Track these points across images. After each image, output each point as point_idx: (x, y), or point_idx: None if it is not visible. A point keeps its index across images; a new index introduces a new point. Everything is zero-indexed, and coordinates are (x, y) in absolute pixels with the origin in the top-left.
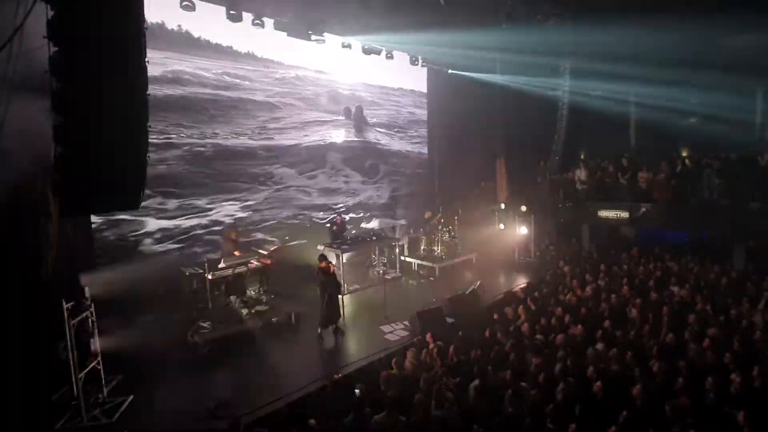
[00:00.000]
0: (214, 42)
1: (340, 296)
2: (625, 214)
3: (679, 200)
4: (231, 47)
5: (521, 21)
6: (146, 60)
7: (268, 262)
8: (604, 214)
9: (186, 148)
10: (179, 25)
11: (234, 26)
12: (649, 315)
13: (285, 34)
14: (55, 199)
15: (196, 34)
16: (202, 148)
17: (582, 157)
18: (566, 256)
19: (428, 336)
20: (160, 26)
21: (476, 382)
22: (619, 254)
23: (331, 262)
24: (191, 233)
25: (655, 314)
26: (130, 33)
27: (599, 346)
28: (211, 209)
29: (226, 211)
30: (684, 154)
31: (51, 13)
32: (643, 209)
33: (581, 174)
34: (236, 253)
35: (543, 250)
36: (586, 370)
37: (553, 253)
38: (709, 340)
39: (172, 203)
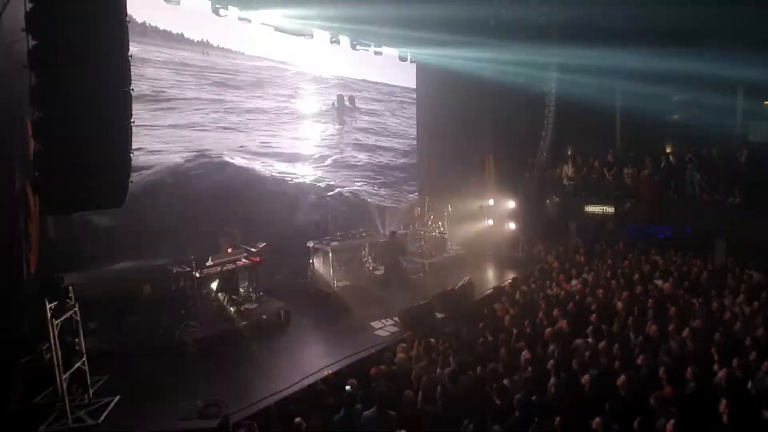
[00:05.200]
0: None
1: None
2: (610, 210)
3: (662, 196)
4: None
5: (509, 18)
6: (129, 54)
7: (257, 259)
8: (590, 209)
9: None
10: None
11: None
12: (635, 308)
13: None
14: (35, 198)
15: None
16: None
17: (569, 153)
18: (553, 251)
19: (407, 335)
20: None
21: (462, 375)
22: (606, 249)
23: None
24: None
25: (641, 307)
26: (112, 26)
27: (587, 339)
28: None
29: None
30: (668, 150)
31: (29, 6)
32: (628, 205)
33: (568, 170)
34: (229, 250)
35: (531, 245)
36: (574, 363)
37: (541, 248)
38: (690, 332)
39: None
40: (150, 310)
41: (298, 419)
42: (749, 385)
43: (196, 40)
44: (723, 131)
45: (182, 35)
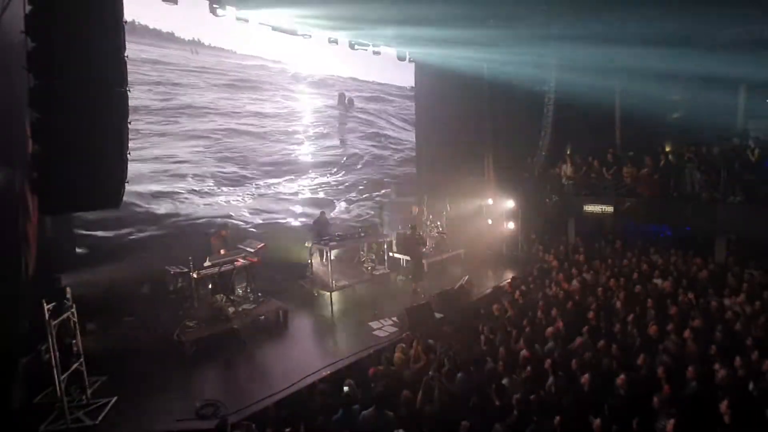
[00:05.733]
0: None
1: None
2: (609, 209)
3: (662, 194)
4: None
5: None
6: (125, 55)
7: (255, 259)
8: (589, 208)
9: None
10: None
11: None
12: (635, 308)
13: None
14: (33, 198)
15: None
16: None
17: (568, 152)
18: (552, 250)
19: (405, 335)
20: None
21: (460, 374)
22: (605, 248)
23: (418, 233)
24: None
25: (640, 307)
26: (109, 27)
27: (586, 339)
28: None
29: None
30: (667, 149)
31: (29, 8)
32: (628, 204)
33: (567, 169)
34: (222, 251)
35: (530, 244)
36: (573, 363)
37: (540, 247)
38: (690, 331)
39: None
40: (148, 310)
41: (288, 429)
42: (750, 385)
43: (187, 39)
44: (723, 129)
45: (173, 34)
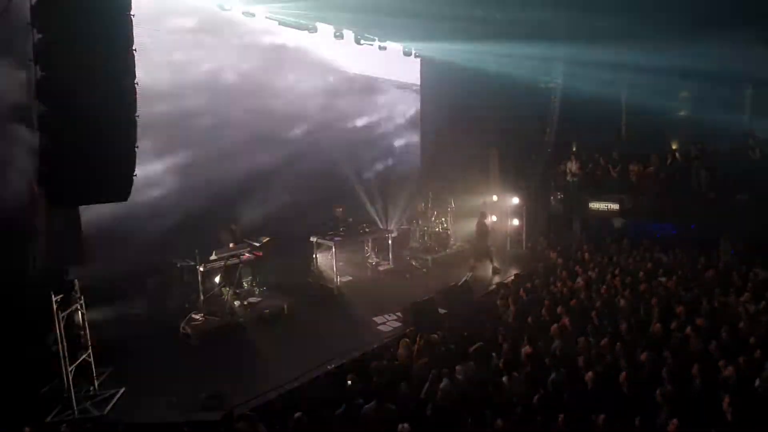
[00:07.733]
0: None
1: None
2: (615, 206)
3: (668, 193)
4: None
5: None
6: (134, 47)
7: (260, 253)
8: (594, 206)
9: None
10: None
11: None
12: (639, 305)
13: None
14: (41, 190)
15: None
16: None
17: (573, 149)
18: (557, 248)
19: (409, 330)
20: None
21: (463, 369)
22: (610, 246)
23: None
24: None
25: (645, 305)
26: (116, 19)
27: (590, 336)
28: None
29: None
30: (674, 147)
31: (34, 0)
32: (632, 202)
33: (572, 166)
34: (231, 245)
35: (534, 241)
36: (577, 360)
37: (545, 244)
38: (694, 330)
39: None
40: (154, 303)
41: (298, 414)
42: (756, 383)
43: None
44: (730, 127)
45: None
